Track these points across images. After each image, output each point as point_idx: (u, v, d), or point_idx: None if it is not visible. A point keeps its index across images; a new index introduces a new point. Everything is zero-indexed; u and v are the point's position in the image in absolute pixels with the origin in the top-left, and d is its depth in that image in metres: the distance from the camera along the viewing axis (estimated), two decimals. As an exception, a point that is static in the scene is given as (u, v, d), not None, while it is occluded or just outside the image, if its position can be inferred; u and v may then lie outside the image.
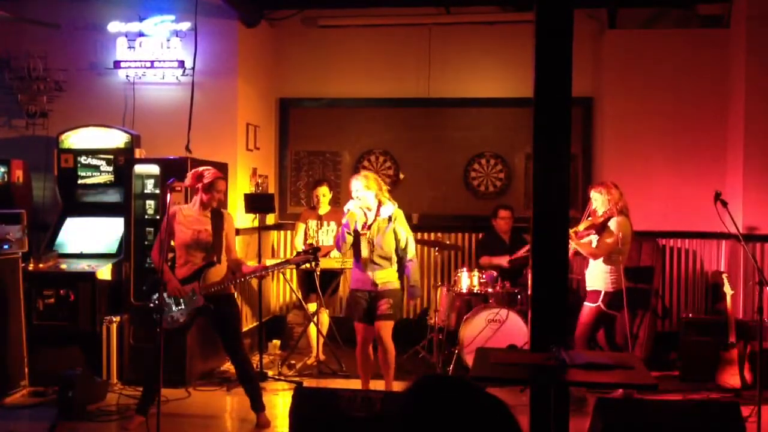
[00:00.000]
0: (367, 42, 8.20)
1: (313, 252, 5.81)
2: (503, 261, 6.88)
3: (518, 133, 7.97)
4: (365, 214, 5.39)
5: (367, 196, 5.35)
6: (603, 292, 5.70)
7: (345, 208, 5.47)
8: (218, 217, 5.29)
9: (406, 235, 5.41)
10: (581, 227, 5.73)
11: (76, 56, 7.52)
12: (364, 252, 5.36)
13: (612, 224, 5.70)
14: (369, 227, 5.35)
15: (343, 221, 5.44)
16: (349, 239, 5.39)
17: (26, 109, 7.54)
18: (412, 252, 5.45)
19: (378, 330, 5.38)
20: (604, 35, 7.70)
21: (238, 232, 6.29)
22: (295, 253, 6.97)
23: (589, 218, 5.79)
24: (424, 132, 8.23)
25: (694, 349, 6.42)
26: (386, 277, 5.38)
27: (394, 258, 5.41)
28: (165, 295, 5.11)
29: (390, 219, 5.37)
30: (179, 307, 5.16)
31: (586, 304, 5.79)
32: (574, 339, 5.68)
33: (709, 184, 6.52)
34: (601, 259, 5.75)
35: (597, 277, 5.77)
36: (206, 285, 5.17)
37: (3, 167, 6.94)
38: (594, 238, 5.82)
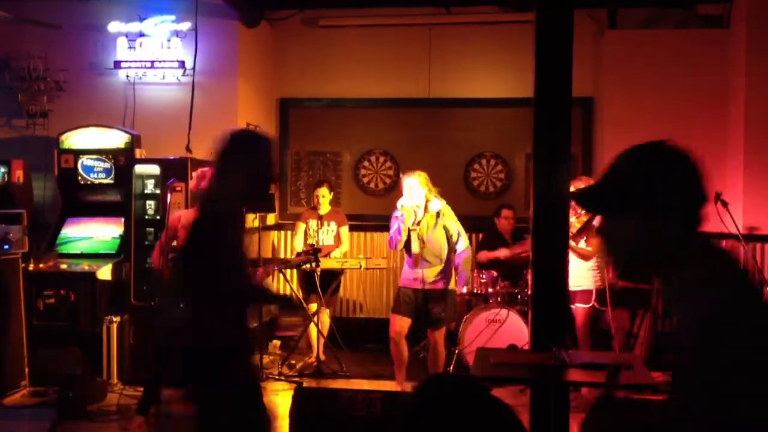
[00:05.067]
0: (367, 42, 8.19)
1: (313, 253, 5.83)
2: (501, 253, 6.86)
3: (518, 133, 7.96)
4: (415, 211, 5.47)
5: (421, 194, 5.43)
6: (594, 291, 5.70)
7: (399, 204, 5.51)
8: None
9: (457, 228, 5.52)
10: (573, 231, 5.66)
11: (76, 56, 7.52)
12: (415, 248, 5.43)
13: (597, 221, 5.65)
14: (418, 224, 5.44)
15: (398, 215, 5.47)
16: (405, 234, 5.44)
17: (26, 109, 7.54)
18: (463, 244, 5.56)
19: (431, 335, 5.55)
20: (604, 35, 7.70)
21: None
22: (294, 254, 6.98)
23: (573, 219, 5.67)
24: (424, 132, 8.22)
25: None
26: (436, 275, 5.43)
27: (445, 256, 5.50)
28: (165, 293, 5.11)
29: (438, 215, 5.45)
30: (179, 306, 5.16)
31: (579, 306, 5.74)
32: (579, 345, 5.65)
33: (709, 185, 6.51)
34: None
35: (583, 276, 5.72)
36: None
37: (3, 167, 6.94)
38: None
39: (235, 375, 2.97)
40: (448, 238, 5.48)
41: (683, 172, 1.83)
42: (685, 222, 1.81)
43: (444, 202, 5.54)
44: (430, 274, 5.45)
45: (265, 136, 3.07)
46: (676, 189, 1.80)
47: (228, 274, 2.97)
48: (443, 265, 5.50)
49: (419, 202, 5.45)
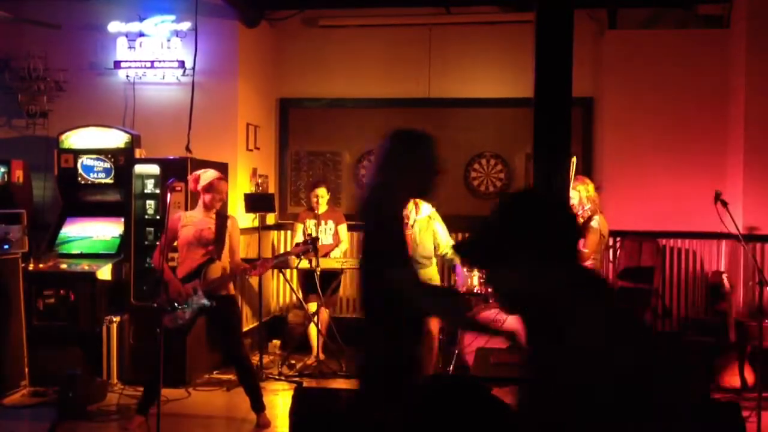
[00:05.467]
0: (367, 42, 8.19)
1: (311, 242, 5.83)
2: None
3: (518, 133, 7.96)
4: (407, 215, 5.55)
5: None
6: None
7: None
8: (222, 219, 5.32)
9: (445, 230, 5.65)
10: None
11: (76, 56, 7.52)
12: (409, 250, 5.46)
13: (594, 223, 5.66)
14: (411, 227, 5.52)
15: None
16: None
17: (26, 109, 7.54)
18: (449, 247, 5.68)
19: (426, 325, 5.51)
20: (604, 35, 7.70)
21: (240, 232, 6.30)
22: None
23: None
24: (424, 132, 8.21)
25: (694, 349, 6.42)
26: (428, 275, 5.59)
27: (433, 257, 5.62)
28: (167, 296, 5.12)
29: (430, 217, 5.59)
30: (182, 306, 5.17)
31: None
32: None
33: (709, 184, 6.52)
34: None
35: None
36: (207, 282, 5.18)
37: (3, 167, 6.94)
38: None
39: (410, 383, 2.87)
40: (436, 245, 5.60)
41: (549, 219, 1.96)
42: (559, 263, 1.93)
43: (429, 204, 5.60)
44: (422, 274, 5.52)
45: (428, 134, 3.22)
46: (545, 236, 1.93)
47: (406, 273, 2.99)
48: (433, 265, 5.59)
49: (410, 205, 5.51)
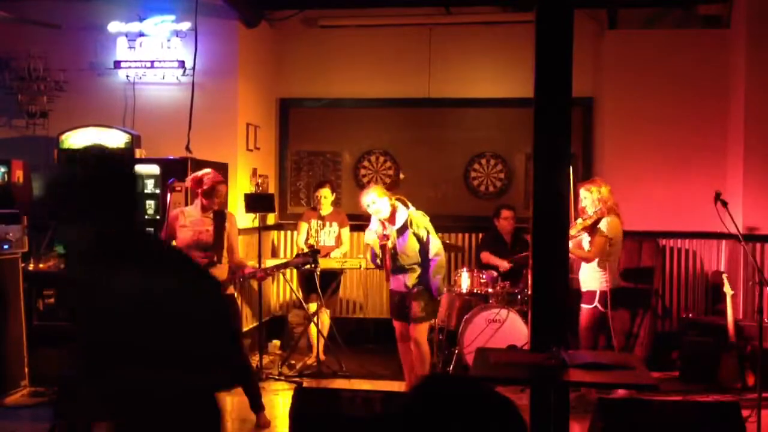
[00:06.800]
0: (367, 42, 8.20)
1: (312, 255, 5.86)
2: (503, 264, 6.85)
3: (518, 133, 7.97)
4: (384, 225, 5.50)
5: (382, 206, 5.44)
6: (598, 292, 5.67)
7: (366, 239, 5.65)
8: (221, 218, 5.30)
9: (426, 234, 5.50)
10: (573, 231, 5.63)
11: (76, 56, 7.52)
12: (389, 263, 5.52)
13: (603, 225, 5.65)
14: (387, 237, 5.47)
15: (368, 242, 5.64)
16: (380, 257, 5.58)
17: (26, 109, 7.54)
18: (433, 250, 5.51)
19: (411, 332, 5.57)
20: (604, 35, 7.70)
21: (239, 232, 6.29)
22: (295, 254, 6.99)
23: (580, 220, 5.72)
24: (424, 132, 8.23)
25: (694, 349, 6.42)
26: (417, 279, 5.52)
27: (422, 260, 5.52)
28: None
29: (405, 226, 5.45)
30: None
31: (584, 306, 5.74)
32: (580, 347, 5.63)
33: (709, 184, 6.52)
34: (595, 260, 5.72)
35: (591, 277, 5.73)
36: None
37: (3, 167, 6.94)
38: (585, 238, 5.77)
39: None
40: (421, 244, 5.49)
41: (111, 184, 2.26)
42: (124, 224, 2.27)
43: (409, 208, 5.53)
44: (411, 278, 5.52)
45: None
46: (107, 199, 2.23)
47: None
48: (423, 268, 5.52)
49: (386, 213, 5.46)
